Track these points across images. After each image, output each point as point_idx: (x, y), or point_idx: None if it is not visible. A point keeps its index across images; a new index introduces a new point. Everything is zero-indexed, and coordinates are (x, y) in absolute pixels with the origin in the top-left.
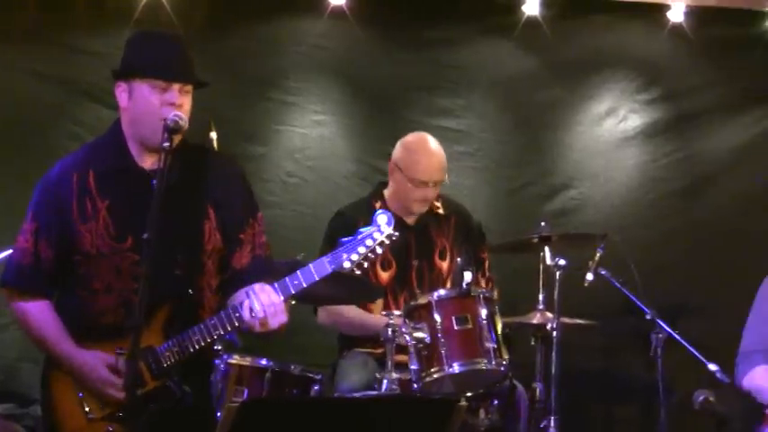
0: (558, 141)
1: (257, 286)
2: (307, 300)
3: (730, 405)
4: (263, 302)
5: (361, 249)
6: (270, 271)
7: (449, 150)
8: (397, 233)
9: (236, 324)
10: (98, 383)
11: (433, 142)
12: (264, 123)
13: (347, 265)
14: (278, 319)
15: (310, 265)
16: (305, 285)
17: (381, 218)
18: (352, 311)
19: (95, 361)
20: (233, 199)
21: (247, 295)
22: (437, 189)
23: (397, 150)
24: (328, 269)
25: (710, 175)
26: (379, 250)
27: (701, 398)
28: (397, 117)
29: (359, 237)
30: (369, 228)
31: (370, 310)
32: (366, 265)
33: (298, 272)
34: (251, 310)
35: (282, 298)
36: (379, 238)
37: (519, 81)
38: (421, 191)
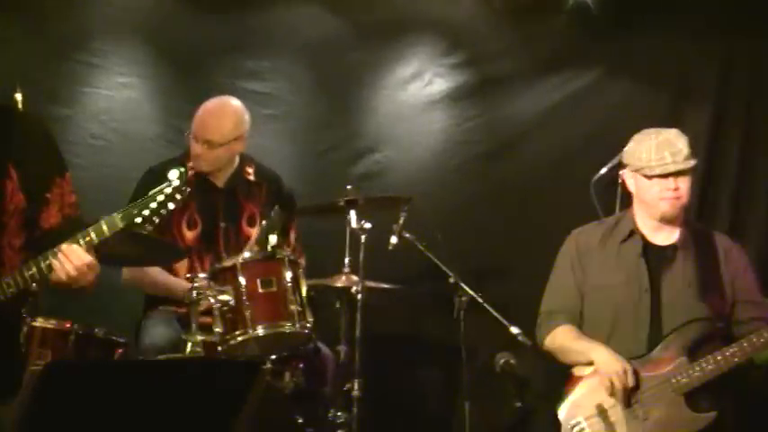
0: (363, 105)
1: (65, 246)
2: (110, 261)
3: (531, 367)
4: (74, 261)
5: (153, 205)
6: (79, 230)
7: (255, 113)
8: (187, 188)
9: (44, 281)
10: None
11: (224, 105)
12: (70, 85)
13: (139, 220)
14: (88, 277)
15: (102, 221)
16: (95, 241)
17: (173, 173)
18: (155, 272)
19: None
20: (37, 158)
21: (55, 255)
22: (213, 150)
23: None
24: (119, 225)
25: (513, 140)
26: (170, 206)
27: (503, 360)
28: (203, 79)
29: (150, 193)
30: (162, 185)
31: (175, 271)
32: (158, 220)
33: (89, 228)
34: (62, 269)
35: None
36: (169, 192)
37: (326, 44)
38: (197, 145)
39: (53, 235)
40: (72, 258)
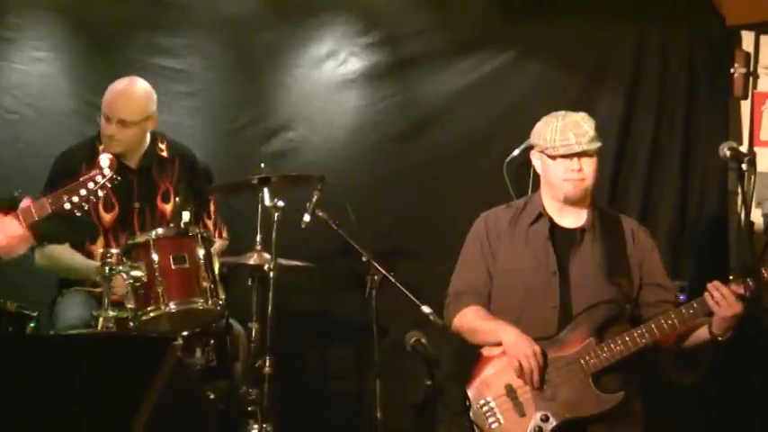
0: (278, 83)
1: None
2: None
3: (441, 346)
4: (7, 233)
5: (83, 192)
6: None
7: (169, 90)
8: (118, 177)
9: None
10: None
11: (133, 84)
12: None
13: (68, 206)
14: (19, 249)
15: (31, 205)
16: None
17: (104, 161)
18: (68, 254)
19: None
20: None
21: None
22: (126, 130)
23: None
24: (48, 209)
25: (427, 120)
26: (100, 193)
27: (413, 339)
28: (118, 55)
29: (81, 179)
30: (92, 171)
31: (90, 251)
32: (86, 206)
33: (19, 210)
34: None
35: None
36: (101, 181)
37: (241, 21)
38: (108, 125)
39: None
40: (6, 229)
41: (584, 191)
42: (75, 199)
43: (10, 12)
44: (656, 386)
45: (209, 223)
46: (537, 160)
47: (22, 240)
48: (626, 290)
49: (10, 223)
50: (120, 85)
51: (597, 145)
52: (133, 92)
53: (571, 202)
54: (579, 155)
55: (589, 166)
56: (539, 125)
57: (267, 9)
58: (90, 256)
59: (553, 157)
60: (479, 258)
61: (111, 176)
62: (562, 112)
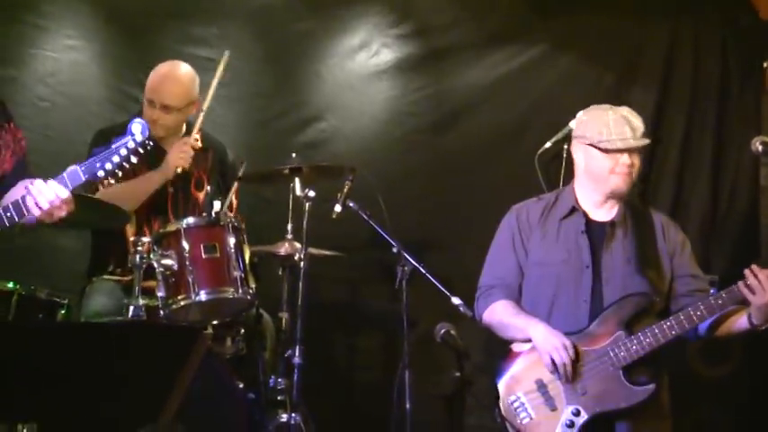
0: (310, 73)
1: (37, 182)
2: (59, 224)
3: (471, 338)
4: (47, 195)
5: (115, 158)
6: (32, 174)
7: (202, 80)
8: (151, 142)
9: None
10: None
11: (177, 69)
12: (17, 47)
13: (101, 173)
14: (61, 212)
15: (64, 173)
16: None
17: (136, 126)
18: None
19: None
20: None
21: (28, 190)
22: (170, 115)
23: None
24: (82, 178)
25: (458, 112)
26: (133, 159)
27: (443, 330)
28: (150, 45)
29: (113, 146)
30: (123, 137)
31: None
32: (120, 174)
33: (50, 180)
34: (36, 204)
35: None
36: (134, 145)
37: (274, 11)
38: (150, 109)
39: (7, 179)
40: (46, 193)
41: (630, 185)
42: (109, 166)
43: (43, 0)
44: (684, 380)
45: (231, 215)
46: (580, 153)
47: (63, 203)
48: (656, 283)
49: (50, 186)
50: (164, 69)
51: (648, 141)
52: (178, 77)
53: (617, 195)
54: (632, 150)
55: (637, 160)
56: (584, 118)
57: (300, 0)
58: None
59: (607, 151)
60: (510, 252)
61: (144, 141)
62: (607, 106)
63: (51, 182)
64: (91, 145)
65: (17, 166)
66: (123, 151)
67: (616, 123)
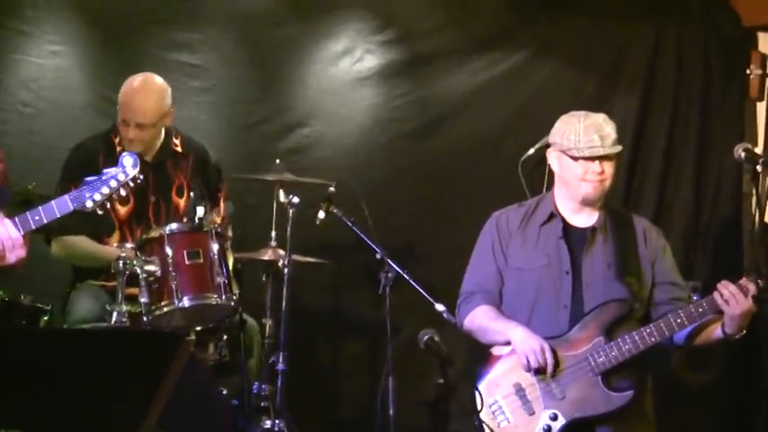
0: (294, 79)
1: None
2: (40, 230)
3: (455, 345)
4: (1, 236)
5: (105, 190)
6: (6, 200)
7: (185, 85)
8: (141, 176)
9: None
10: None
11: (149, 84)
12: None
13: (90, 204)
14: (16, 253)
15: (53, 201)
16: (45, 221)
17: (127, 160)
18: (84, 242)
19: None
20: None
21: None
22: (144, 131)
23: (122, 87)
24: (70, 207)
25: (441, 118)
26: (122, 192)
27: (426, 337)
28: (134, 50)
29: (103, 177)
30: (114, 168)
31: (105, 243)
32: (108, 205)
33: (39, 208)
34: None
35: (22, 233)
36: (124, 179)
37: (257, 17)
38: (126, 129)
39: None
40: (0, 232)
41: (602, 192)
42: (98, 197)
43: (26, 5)
44: (668, 385)
45: (218, 220)
46: (554, 159)
47: (14, 245)
48: (636, 289)
49: (5, 226)
50: (133, 86)
51: (619, 148)
52: (148, 93)
53: (588, 202)
54: (602, 158)
55: (609, 168)
56: (559, 125)
57: (283, 5)
58: (106, 245)
59: (575, 158)
60: (490, 258)
61: (135, 176)
62: (582, 113)
63: (7, 221)
64: (69, 158)
65: None
66: (113, 183)
67: (586, 131)
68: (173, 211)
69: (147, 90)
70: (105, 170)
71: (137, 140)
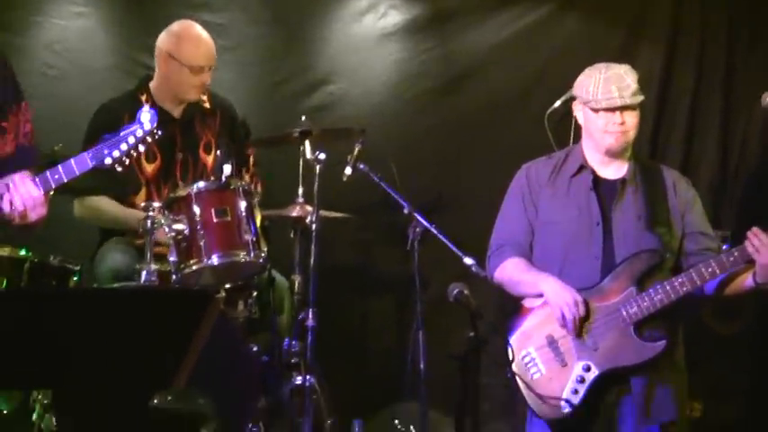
0: (318, 36)
1: (17, 178)
2: (64, 191)
3: (484, 298)
4: (23, 195)
5: (123, 146)
6: (34, 160)
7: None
8: (160, 131)
9: None
10: None
11: (199, 27)
12: (22, 14)
13: (108, 161)
14: (37, 212)
15: (71, 159)
16: (65, 180)
17: (145, 115)
18: (110, 205)
19: None
20: None
21: (7, 188)
22: (209, 75)
23: (166, 40)
24: (89, 164)
25: (467, 73)
26: (141, 147)
27: (456, 290)
28: (157, 10)
29: (122, 133)
30: (132, 124)
31: (132, 203)
32: (128, 161)
33: (59, 165)
34: (10, 203)
35: (42, 191)
36: (142, 134)
37: None
38: (198, 77)
39: (7, 164)
40: (21, 191)
41: (625, 143)
42: (116, 153)
43: None
44: (698, 336)
45: (247, 177)
46: (579, 112)
47: (35, 204)
48: (667, 239)
49: (26, 184)
50: (191, 31)
51: (640, 99)
52: (204, 35)
53: (612, 154)
54: (622, 108)
55: (631, 119)
56: (581, 77)
57: None
58: (132, 207)
59: (596, 110)
60: (521, 210)
61: (152, 131)
62: (604, 64)
63: (28, 180)
64: (93, 119)
65: (20, 151)
66: (131, 139)
67: (605, 83)
68: (200, 168)
69: (202, 32)
70: (124, 126)
71: (205, 85)
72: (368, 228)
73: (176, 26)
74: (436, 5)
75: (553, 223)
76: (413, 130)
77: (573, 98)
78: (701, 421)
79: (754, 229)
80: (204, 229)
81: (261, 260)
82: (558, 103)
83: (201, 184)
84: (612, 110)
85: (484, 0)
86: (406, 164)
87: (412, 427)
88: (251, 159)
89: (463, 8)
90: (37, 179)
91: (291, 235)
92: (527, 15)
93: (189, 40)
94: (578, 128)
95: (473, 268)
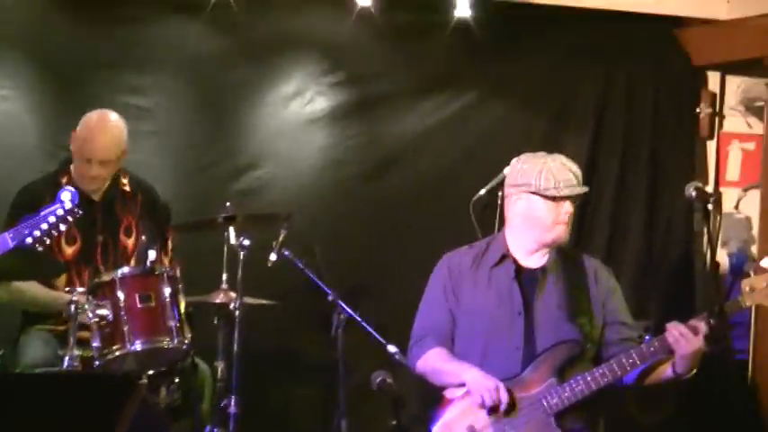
0: (245, 121)
1: None
2: None
3: (407, 386)
4: None
5: (44, 226)
6: None
7: (136, 128)
8: (80, 211)
9: None
10: None
11: (108, 121)
12: None
13: (29, 240)
14: None
15: None
16: None
17: (65, 195)
18: (34, 288)
19: None
20: None
21: None
22: (107, 168)
23: (79, 126)
24: (10, 244)
25: (392, 159)
26: (62, 227)
27: (379, 378)
28: (84, 94)
29: (42, 213)
30: (53, 204)
31: (53, 286)
32: (48, 241)
33: None
34: None
35: None
36: (62, 213)
37: (207, 60)
38: (91, 168)
39: None
40: None
41: (569, 234)
42: (37, 233)
43: None
44: (620, 426)
45: (166, 261)
46: (520, 201)
47: None
48: (587, 329)
49: None
50: (94, 123)
51: (587, 187)
52: (110, 130)
53: (557, 245)
54: (573, 198)
55: (573, 208)
56: (521, 165)
57: (233, 48)
58: (54, 288)
59: (554, 198)
60: (442, 300)
61: (73, 209)
62: (541, 153)
63: None
64: (15, 200)
65: None
66: (52, 219)
67: (559, 170)
68: (121, 251)
69: (108, 126)
70: (44, 206)
71: (100, 178)
72: (292, 314)
73: (89, 114)
74: (363, 92)
75: (474, 313)
76: (339, 215)
77: (501, 185)
78: None
79: (674, 322)
80: (128, 315)
81: (184, 346)
82: (483, 191)
83: (126, 269)
84: (568, 198)
85: (409, 87)
86: (331, 249)
87: None
88: (169, 243)
89: (388, 95)
90: None
91: (215, 321)
92: (453, 102)
93: (88, 132)
94: (503, 216)
95: (396, 356)
